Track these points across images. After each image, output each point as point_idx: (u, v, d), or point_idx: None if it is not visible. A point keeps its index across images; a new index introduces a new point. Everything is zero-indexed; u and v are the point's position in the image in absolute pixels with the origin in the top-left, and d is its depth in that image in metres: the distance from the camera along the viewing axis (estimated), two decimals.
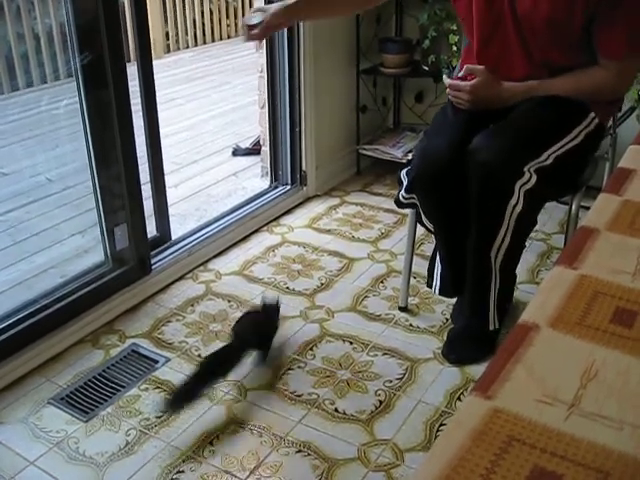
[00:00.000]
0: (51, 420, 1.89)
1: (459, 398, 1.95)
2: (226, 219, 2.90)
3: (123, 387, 2.01)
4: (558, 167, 1.83)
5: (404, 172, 2.03)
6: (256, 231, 2.96)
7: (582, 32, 1.84)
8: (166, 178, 2.62)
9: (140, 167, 2.35)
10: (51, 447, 1.79)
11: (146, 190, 2.46)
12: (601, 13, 1.79)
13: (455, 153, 1.88)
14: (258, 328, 2.14)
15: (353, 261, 2.70)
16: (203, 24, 7.22)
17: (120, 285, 2.36)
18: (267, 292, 2.47)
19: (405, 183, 2.02)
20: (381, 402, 1.94)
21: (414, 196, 2.02)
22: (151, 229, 2.54)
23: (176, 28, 6.93)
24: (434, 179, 1.93)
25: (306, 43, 2.97)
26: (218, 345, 2.18)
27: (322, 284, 2.54)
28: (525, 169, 1.77)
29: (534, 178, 1.78)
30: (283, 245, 2.85)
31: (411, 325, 2.29)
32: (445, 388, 1.99)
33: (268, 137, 3.21)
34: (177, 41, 7.00)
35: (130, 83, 2.22)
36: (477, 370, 2.05)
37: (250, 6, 7.25)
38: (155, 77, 2.42)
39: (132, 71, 2.28)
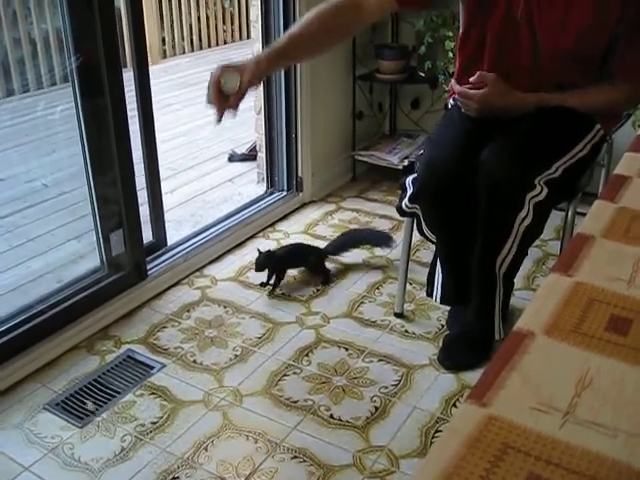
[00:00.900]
0: (46, 426, 1.89)
1: (454, 404, 1.95)
2: (222, 225, 2.90)
3: (118, 393, 2.01)
4: (565, 178, 1.83)
5: (410, 180, 2.00)
6: (252, 237, 2.96)
7: (602, 55, 1.85)
8: (162, 184, 2.62)
9: (136, 173, 2.35)
10: (46, 453, 1.79)
11: (142, 196, 2.46)
12: (625, 38, 1.80)
13: (460, 164, 1.88)
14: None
15: (349, 267, 2.70)
16: (200, 30, 7.22)
17: (116, 291, 2.36)
18: (264, 295, 2.47)
19: (409, 192, 2.00)
20: (376, 408, 1.93)
21: (417, 206, 2.01)
22: (147, 235, 2.54)
23: (172, 33, 6.93)
24: (439, 190, 1.92)
25: None
26: (214, 351, 2.18)
27: (318, 290, 2.54)
28: (536, 182, 1.77)
29: (545, 191, 1.77)
30: None
31: (407, 331, 2.29)
32: (440, 394, 1.99)
33: (264, 143, 3.21)
34: (173, 47, 7.00)
35: (126, 89, 2.22)
36: (473, 376, 2.05)
37: (247, 12, 7.27)
38: (151, 83, 2.42)
39: (128, 77, 2.28)
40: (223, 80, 1.62)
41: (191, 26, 7.11)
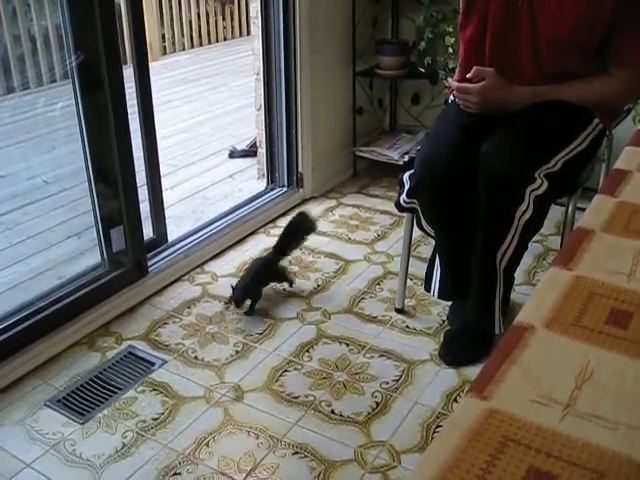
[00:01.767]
0: (47, 422, 1.89)
1: (455, 399, 1.95)
2: (223, 221, 2.90)
3: (120, 389, 2.01)
4: (565, 172, 1.84)
5: (407, 175, 2.02)
6: (253, 233, 2.96)
7: (600, 43, 1.85)
8: (162, 180, 2.62)
9: (136, 169, 2.35)
10: (47, 449, 1.79)
11: (142, 192, 2.46)
12: (623, 24, 1.80)
13: (457, 159, 1.88)
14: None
15: (349, 263, 2.71)
16: (199, 26, 7.22)
17: (117, 287, 2.36)
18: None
19: (407, 187, 2.01)
20: (378, 404, 1.94)
21: (415, 201, 2.01)
22: (147, 231, 2.54)
23: (172, 30, 6.93)
24: (436, 185, 1.93)
25: (302, 45, 2.97)
26: (215, 347, 2.19)
27: (319, 286, 2.55)
28: (536, 175, 1.77)
29: (545, 184, 1.78)
30: None
31: (407, 327, 2.29)
32: (441, 390, 1.99)
33: (264, 139, 3.21)
34: (173, 43, 7.00)
35: (126, 85, 2.22)
36: (473, 371, 2.05)
37: (247, 8, 7.26)
38: (152, 79, 2.42)
39: (128, 73, 2.28)
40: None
41: (191, 22, 7.11)
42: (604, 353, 0.77)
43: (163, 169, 2.67)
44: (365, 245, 2.85)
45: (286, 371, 2.08)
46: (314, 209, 3.19)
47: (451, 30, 3.13)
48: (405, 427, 1.85)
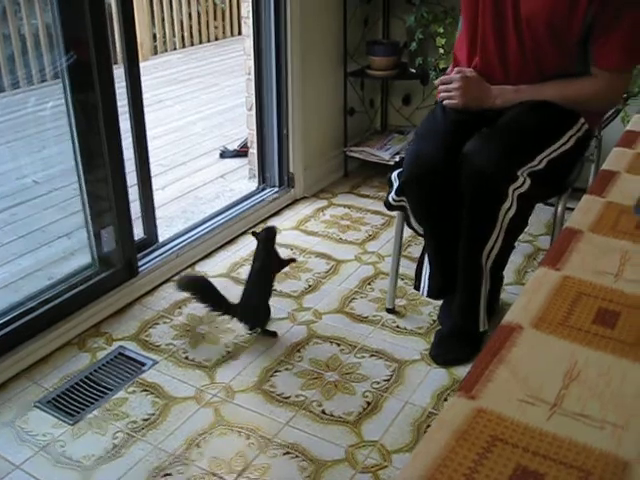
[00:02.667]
0: (37, 423, 1.88)
1: (446, 399, 1.95)
2: (214, 221, 2.90)
3: (110, 390, 2.01)
4: (550, 171, 1.85)
5: (395, 174, 2.04)
6: (244, 233, 2.96)
7: (579, 40, 1.86)
8: (153, 180, 2.61)
9: (127, 169, 2.35)
10: (37, 451, 1.78)
11: (133, 192, 2.46)
12: (601, 22, 1.80)
13: (445, 157, 1.89)
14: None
15: (340, 263, 2.71)
16: (191, 26, 7.21)
17: (107, 287, 2.36)
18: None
19: (396, 186, 2.02)
20: (368, 403, 1.94)
21: (404, 199, 2.02)
22: (138, 231, 2.54)
23: (164, 30, 6.92)
24: (424, 183, 1.94)
25: (293, 45, 2.98)
26: (206, 347, 2.19)
27: (310, 286, 2.55)
28: (519, 173, 1.79)
29: (528, 182, 1.79)
30: None
31: (398, 327, 2.30)
32: (432, 389, 2.00)
33: (256, 139, 3.21)
34: (165, 43, 6.98)
35: (117, 85, 2.22)
36: (464, 371, 2.05)
37: (238, 8, 7.25)
38: (143, 79, 2.41)
39: (119, 73, 2.28)
40: None
41: (182, 22, 7.10)
42: (591, 353, 0.77)
43: (154, 169, 2.67)
44: (356, 245, 2.85)
45: (277, 371, 2.08)
46: (305, 209, 3.19)
47: (442, 31, 3.15)
48: (396, 427, 1.85)
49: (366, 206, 3.22)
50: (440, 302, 2.30)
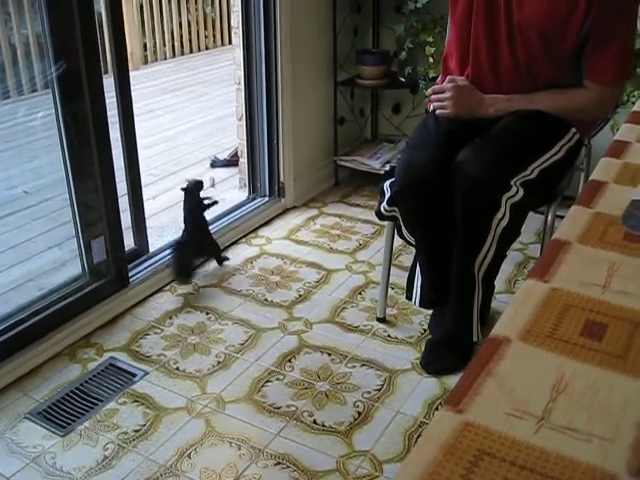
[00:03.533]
0: (28, 435, 1.88)
1: (437, 408, 1.96)
2: None
3: (101, 401, 2.00)
4: (541, 180, 1.86)
5: (387, 184, 2.03)
6: (234, 243, 2.96)
7: (573, 52, 1.88)
8: (144, 190, 2.61)
9: (117, 179, 2.34)
10: (28, 462, 1.78)
11: (123, 202, 2.45)
12: (597, 35, 1.83)
13: (438, 167, 1.90)
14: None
15: (331, 272, 2.71)
16: (181, 35, 7.21)
17: (98, 298, 2.35)
18: (247, 301, 2.47)
19: (387, 196, 2.02)
20: (360, 413, 1.94)
21: (395, 209, 2.03)
22: (129, 242, 2.53)
23: (154, 39, 6.92)
24: (417, 193, 1.94)
25: (283, 55, 2.98)
26: (197, 358, 2.18)
27: (300, 296, 2.55)
28: (512, 182, 1.79)
29: (521, 192, 1.80)
30: (261, 257, 2.85)
31: (389, 336, 2.30)
32: (423, 399, 2.00)
33: (246, 149, 3.22)
34: (155, 52, 6.99)
35: (107, 94, 2.22)
36: (455, 380, 2.06)
37: (228, 18, 7.26)
38: (133, 88, 2.42)
39: (109, 83, 2.28)
40: None
41: (173, 32, 7.11)
42: (579, 365, 0.77)
43: (144, 179, 2.67)
44: (347, 254, 2.85)
45: (268, 381, 2.08)
46: (296, 218, 3.20)
47: (431, 40, 3.16)
48: (387, 436, 1.85)
49: (357, 215, 3.23)
50: (431, 311, 2.30)
